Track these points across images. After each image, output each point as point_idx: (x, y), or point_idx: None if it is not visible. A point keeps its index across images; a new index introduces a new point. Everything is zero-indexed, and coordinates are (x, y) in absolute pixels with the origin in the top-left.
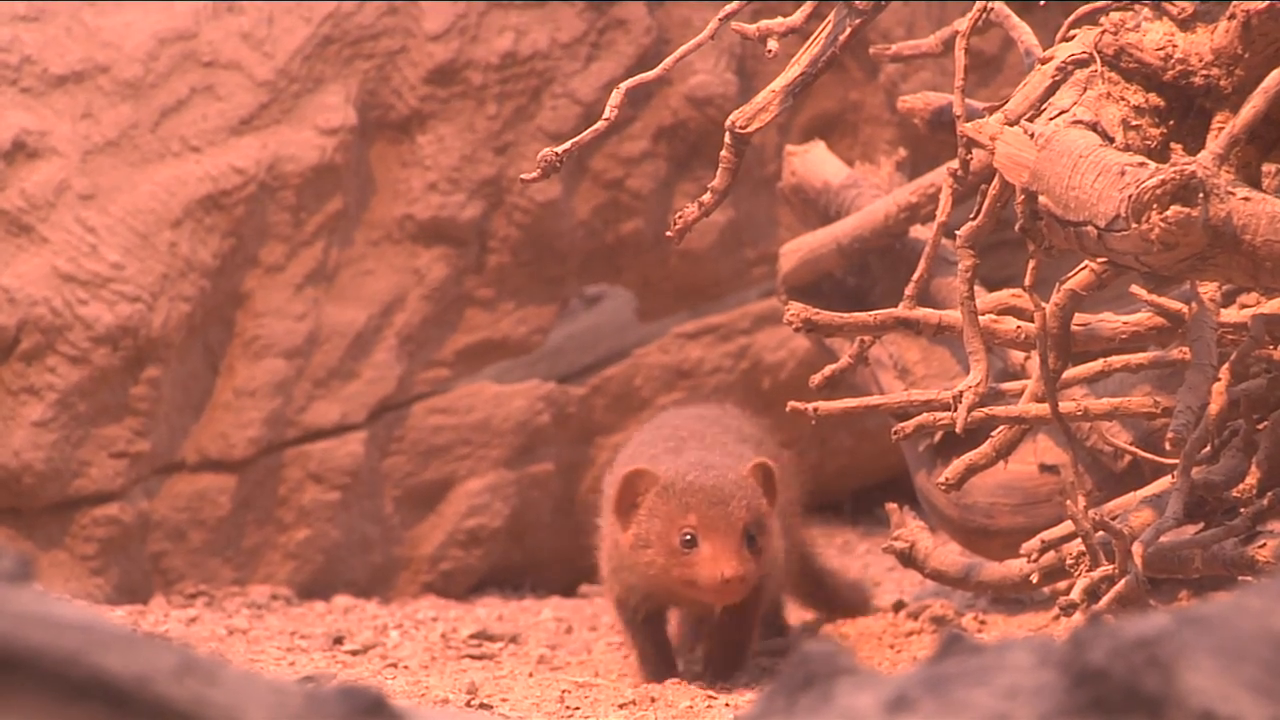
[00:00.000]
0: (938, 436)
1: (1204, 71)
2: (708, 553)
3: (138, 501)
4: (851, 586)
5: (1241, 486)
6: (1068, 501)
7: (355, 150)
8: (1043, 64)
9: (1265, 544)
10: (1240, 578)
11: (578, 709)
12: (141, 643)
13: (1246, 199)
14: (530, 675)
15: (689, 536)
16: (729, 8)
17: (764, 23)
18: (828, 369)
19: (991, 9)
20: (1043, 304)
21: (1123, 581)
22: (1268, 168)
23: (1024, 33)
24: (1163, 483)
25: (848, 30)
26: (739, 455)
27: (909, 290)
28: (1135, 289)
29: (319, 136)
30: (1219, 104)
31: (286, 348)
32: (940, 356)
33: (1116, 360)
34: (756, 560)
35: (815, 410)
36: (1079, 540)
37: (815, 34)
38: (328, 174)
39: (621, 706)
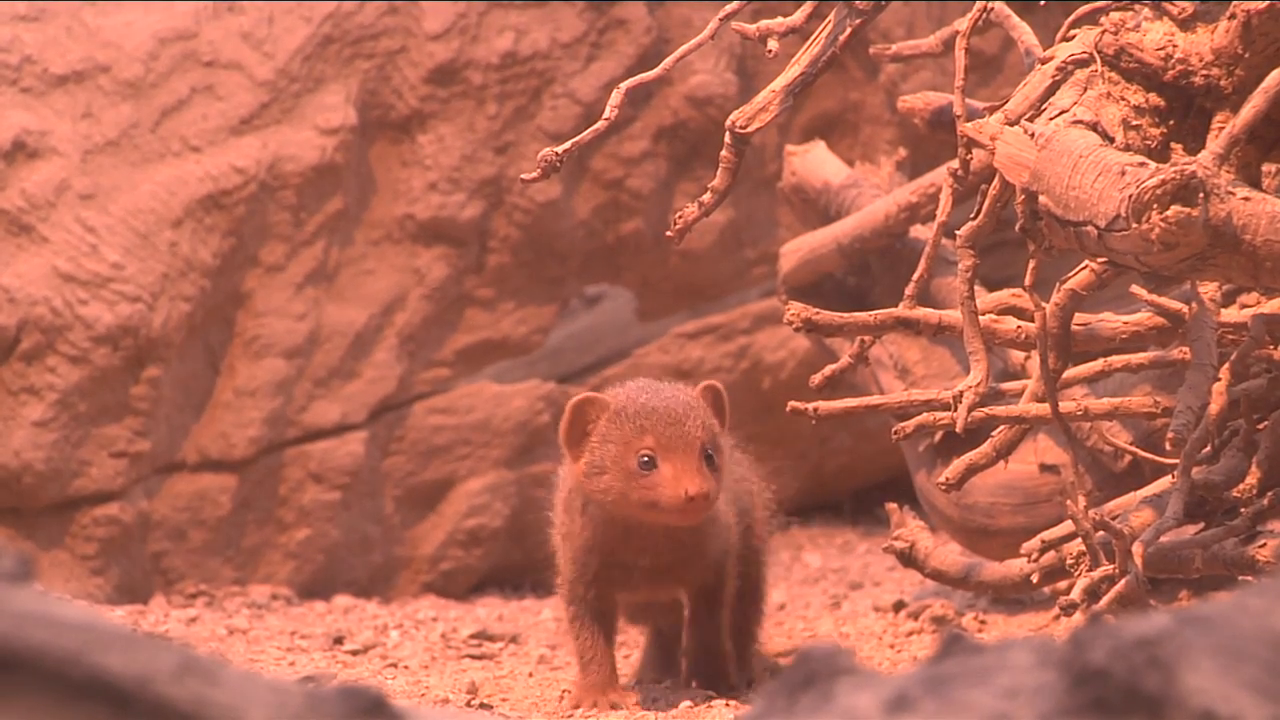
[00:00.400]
0: (938, 436)
1: (1204, 71)
2: (668, 473)
3: (138, 501)
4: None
5: (1241, 486)
6: (1068, 501)
7: (355, 150)
8: (1043, 64)
9: (1265, 544)
10: (1240, 578)
11: (577, 708)
12: (142, 643)
13: (1246, 199)
14: (530, 675)
15: (647, 458)
16: (729, 8)
17: (764, 23)
18: (828, 369)
19: (991, 9)
20: (1043, 304)
21: (1123, 581)
22: (1268, 168)
23: (1024, 33)
24: (1163, 483)
25: (848, 30)
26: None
27: (909, 290)
28: (1135, 289)
29: (319, 136)
30: (1219, 104)
31: (287, 347)
32: (940, 356)
33: (1116, 360)
34: (715, 479)
35: (815, 410)
36: (1079, 540)
37: (815, 34)
38: (328, 174)
39: (619, 707)
